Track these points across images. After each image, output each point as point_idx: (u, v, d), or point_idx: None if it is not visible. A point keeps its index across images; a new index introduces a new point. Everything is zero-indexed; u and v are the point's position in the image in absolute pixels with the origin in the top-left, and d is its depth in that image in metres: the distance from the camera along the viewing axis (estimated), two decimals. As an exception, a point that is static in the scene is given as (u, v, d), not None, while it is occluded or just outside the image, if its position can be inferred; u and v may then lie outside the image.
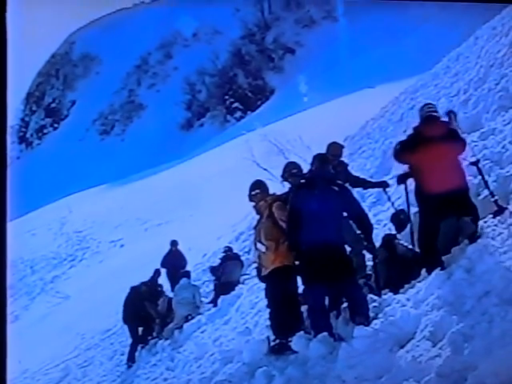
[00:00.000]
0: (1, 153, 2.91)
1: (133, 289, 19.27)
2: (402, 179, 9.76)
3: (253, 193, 9.86)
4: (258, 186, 9.89)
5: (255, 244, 9.72)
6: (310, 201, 8.70)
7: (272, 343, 9.30)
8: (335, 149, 10.84)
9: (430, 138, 8.75)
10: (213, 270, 19.85)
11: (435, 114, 9.11)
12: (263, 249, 9.42)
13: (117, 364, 19.37)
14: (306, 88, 64.62)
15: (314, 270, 8.51)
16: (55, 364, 23.21)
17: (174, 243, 21.99)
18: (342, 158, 11.50)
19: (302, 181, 9.25)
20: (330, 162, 9.61)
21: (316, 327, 8.58)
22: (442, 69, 23.73)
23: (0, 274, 2.94)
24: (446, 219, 8.66)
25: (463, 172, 8.86)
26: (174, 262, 21.02)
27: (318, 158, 9.56)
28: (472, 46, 21.46)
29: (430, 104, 9.43)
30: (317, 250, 8.48)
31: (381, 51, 68.05)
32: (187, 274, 19.29)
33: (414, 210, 10.04)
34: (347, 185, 10.14)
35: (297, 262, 8.73)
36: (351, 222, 9.38)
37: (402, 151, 9.17)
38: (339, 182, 9.18)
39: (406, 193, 9.75)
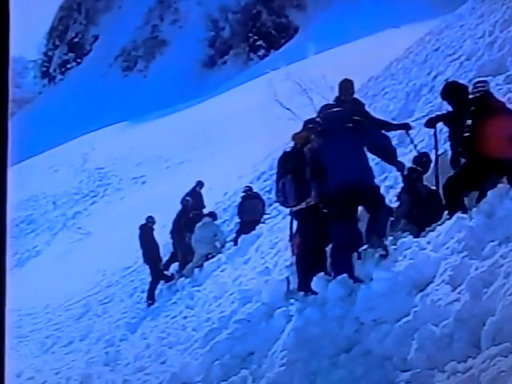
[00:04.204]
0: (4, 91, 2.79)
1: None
2: (432, 123, 9.70)
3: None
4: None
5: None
6: (326, 148, 8.64)
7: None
8: (346, 85, 10.74)
9: (493, 108, 8.65)
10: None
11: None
12: None
13: (137, 301, 19.60)
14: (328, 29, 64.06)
15: (342, 210, 8.52)
16: (76, 300, 23.50)
17: (199, 183, 21.62)
18: (361, 99, 11.41)
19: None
20: (341, 101, 9.62)
21: (337, 268, 8.55)
22: (467, 10, 23.35)
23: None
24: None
25: None
26: (193, 203, 20.89)
27: (325, 107, 9.54)
28: (499, -13, 21.09)
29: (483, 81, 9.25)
30: (343, 193, 8.45)
31: (407, -10, 67.19)
32: (211, 214, 19.34)
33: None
34: None
35: (325, 210, 8.66)
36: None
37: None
38: (355, 118, 9.09)
39: (435, 136, 9.67)
